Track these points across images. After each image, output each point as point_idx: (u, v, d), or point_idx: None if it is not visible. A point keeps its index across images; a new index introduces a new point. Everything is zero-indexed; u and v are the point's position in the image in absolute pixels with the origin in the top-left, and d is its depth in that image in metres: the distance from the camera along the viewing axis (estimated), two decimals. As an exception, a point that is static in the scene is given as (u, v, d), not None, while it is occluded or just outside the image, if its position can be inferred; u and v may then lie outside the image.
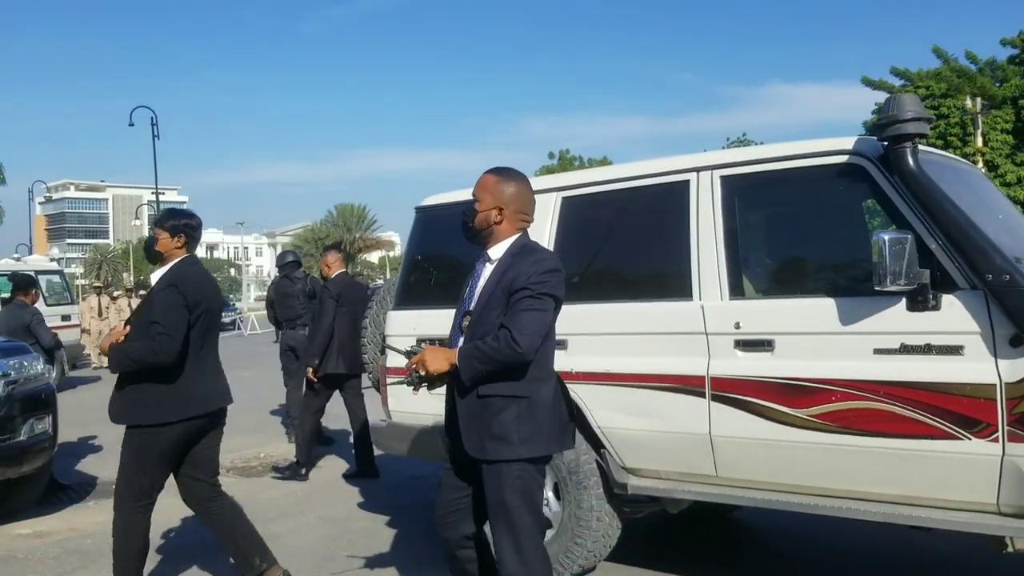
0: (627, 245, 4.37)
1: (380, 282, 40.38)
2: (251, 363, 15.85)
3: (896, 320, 3.39)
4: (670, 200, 4.10)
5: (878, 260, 3.24)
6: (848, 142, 3.67)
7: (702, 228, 3.96)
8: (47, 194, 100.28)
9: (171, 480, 4.00)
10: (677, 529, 5.15)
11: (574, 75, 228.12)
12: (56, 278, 16.32)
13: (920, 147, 3.50)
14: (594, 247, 4.46)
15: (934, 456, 3.32)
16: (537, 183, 4.84)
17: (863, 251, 3.55)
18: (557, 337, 2.93)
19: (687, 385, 3.87)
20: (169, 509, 4.68)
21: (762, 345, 3.71)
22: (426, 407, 4.17)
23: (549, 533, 4.29)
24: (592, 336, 4.20)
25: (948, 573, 4.43)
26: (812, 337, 3.61)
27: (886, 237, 3.23)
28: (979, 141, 24.52)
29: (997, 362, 3.21)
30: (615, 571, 4.45)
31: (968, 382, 3.24)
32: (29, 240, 43.97)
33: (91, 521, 5.75)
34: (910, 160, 3.42)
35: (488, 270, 3.03)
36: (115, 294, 20.64)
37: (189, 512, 4.18)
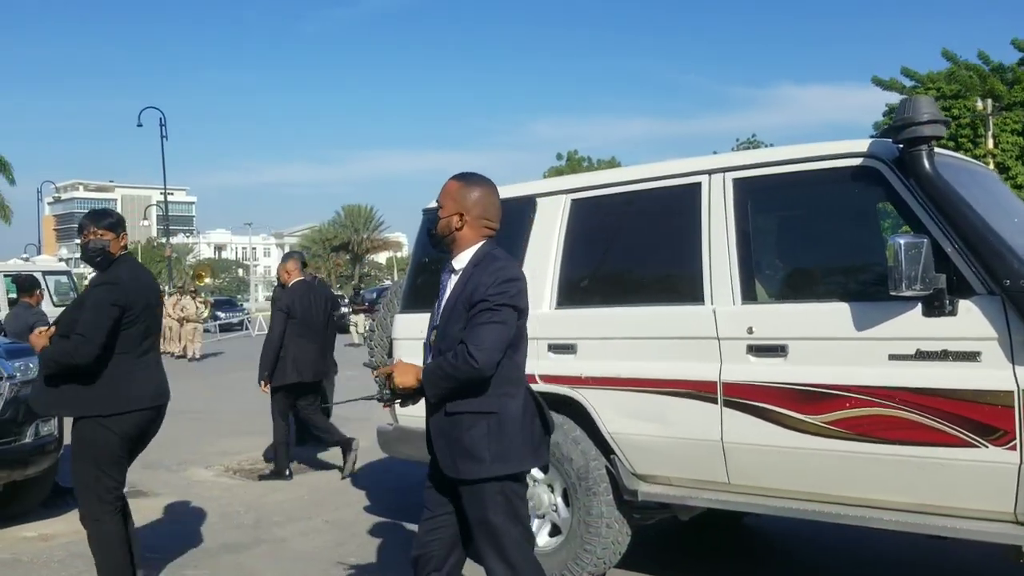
0: (637, 248, 4.33)
1: (387, 283, 40.55)
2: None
3: (912, 325, 3.34)
4: (681, 203, 4.05)
5: (893, 264, 3.19)
6: (863, 144, 3.62)
7: (714, 231, 3.91)
8: (56, 194, 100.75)
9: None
10: (688, 535, 5.10)
11: (579, 76, 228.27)
12: (64, 279, 16.39)
13: (936, 150, 3.46)
14: (603, 250, 4.42)
15: (950, 464, 3.27)
16: (546, 185, 4.82)
17: (878, 255, 3.51)
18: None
19: (699, 390, 3.82)
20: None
21: (775, 350, 3.66)
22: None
23: (558, 539, 4.26)
24: (601, 340, 4.15)
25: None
26: (826, 342, 3.56)
27: (902, 241, 3.18)
28: (990, 143, 24.36)
29: (1015, 369, 3.16)
30: (624, 578, 4.40)
31: (985, 389, 3.19)
32: (38, 240, 44.23)
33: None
34: (926, 163, 3.37)
35: (453, 281, 2.93)
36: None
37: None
